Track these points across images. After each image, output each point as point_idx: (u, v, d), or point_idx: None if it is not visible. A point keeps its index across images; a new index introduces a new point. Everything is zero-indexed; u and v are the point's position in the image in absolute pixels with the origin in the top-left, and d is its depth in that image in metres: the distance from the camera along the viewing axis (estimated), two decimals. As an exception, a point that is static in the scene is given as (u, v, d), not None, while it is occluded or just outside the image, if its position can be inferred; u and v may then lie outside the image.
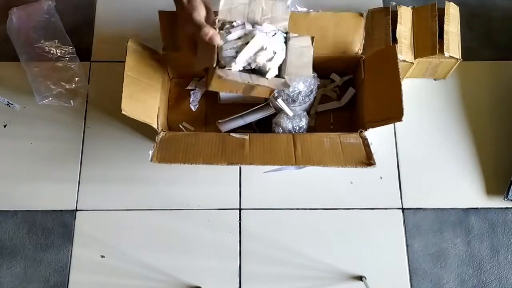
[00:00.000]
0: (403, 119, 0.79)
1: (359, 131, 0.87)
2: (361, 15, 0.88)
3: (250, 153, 0.83)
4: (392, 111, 0.81)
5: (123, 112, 0.78)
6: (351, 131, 0.88)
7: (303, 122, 0.94)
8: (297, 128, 0.93)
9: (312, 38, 0.81)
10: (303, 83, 0.93)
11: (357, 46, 0.92)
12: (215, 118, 1.00)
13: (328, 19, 0.88)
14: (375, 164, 0.81)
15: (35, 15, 1.05)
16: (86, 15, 1.13)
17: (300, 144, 0.85)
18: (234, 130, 0.97)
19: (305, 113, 0.96)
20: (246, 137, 0.86)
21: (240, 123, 0.97)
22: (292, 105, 0.94)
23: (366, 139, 0.86)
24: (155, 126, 0.86)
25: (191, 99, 1.03)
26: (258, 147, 0.85)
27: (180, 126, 1.01)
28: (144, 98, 0.87)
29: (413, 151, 1.02)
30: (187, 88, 1.03)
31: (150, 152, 0.82)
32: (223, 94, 0.98)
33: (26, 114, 1.04)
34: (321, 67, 0.97)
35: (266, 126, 0.99)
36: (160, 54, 0.92)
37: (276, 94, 0.93)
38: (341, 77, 1.03)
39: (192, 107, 1.03)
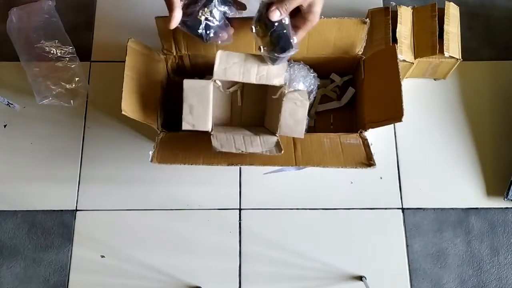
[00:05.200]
0: (403, 119, 0.79)
1: (359, 132, 0.87)
2: (364, 22, 0.87)
3: (250, 153, 0.83)
4: (392, 112, 0.81)
5: (123, 112, 0.78)
6: (351, 131, 0.88)
7: (303, 122, 0.94)
8: None
9: (309, 93, 0.81)
10: (303, 83, 0.93)
11: (358, 48, 0.92)
12: None
13: (330, 25, 0.88)
14: (375, 164, 0.81)
15: (35, 15, 1.05)
16: (86, 15, 1.13)
17: (300, 144, 0.85)
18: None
19: (305, 113, 0.96)
20: None
21: None
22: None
23: (366, 139, 0.86)
24: (155, 126, 0.86)
25: None
26: None
27: None
28: (144, 98, 0.87)
29: (413, 151, 1.02)
30: None
31: (150, 153, 0.81)
32: None
33: (26, 114, 1.04)
34: (321, 68, 0.97)
35: None
36: (160, 53, 0.92)
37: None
38: (341, 77, 1.03)
39: None
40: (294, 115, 0.80)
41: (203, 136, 0.87)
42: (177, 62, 0.97)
